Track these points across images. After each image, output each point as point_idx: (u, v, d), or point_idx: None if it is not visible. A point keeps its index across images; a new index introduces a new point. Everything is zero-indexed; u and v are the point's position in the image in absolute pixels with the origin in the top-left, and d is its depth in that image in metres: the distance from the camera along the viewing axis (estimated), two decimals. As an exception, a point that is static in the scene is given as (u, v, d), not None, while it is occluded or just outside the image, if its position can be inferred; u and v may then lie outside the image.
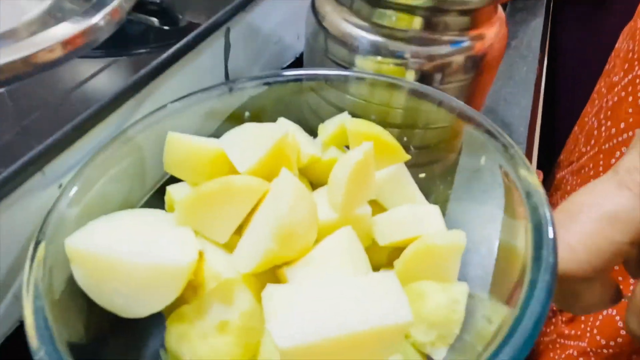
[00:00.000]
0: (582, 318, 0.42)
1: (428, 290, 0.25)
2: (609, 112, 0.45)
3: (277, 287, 0.21)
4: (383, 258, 0.29)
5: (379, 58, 0.36)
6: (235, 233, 0.25)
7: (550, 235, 0.21)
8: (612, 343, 0.38)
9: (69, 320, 0.22)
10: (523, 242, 0.21)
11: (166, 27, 0.36)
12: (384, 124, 0.31)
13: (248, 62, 0.42)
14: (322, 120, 0.33)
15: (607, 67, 0.53)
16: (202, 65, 0.36)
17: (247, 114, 0.32)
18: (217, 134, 0.30)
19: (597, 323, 0.40)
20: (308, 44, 0.41)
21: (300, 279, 0.24)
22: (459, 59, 0.35)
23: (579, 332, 0.42)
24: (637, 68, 0.42)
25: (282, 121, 0.32)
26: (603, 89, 0.50)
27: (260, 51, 0.44)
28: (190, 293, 0.24)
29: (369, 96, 0.33)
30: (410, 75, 0.36)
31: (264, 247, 0.23)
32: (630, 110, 0.42)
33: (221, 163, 0.27)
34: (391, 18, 0.35)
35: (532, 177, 0.23)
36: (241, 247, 0.25)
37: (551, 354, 0.45)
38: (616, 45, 0.51)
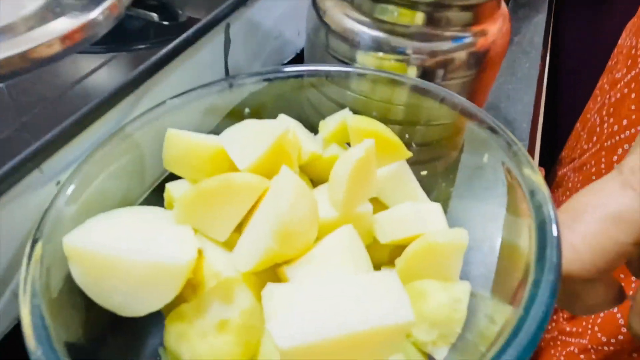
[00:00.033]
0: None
1: (430, 289, 0.25)
2: (612, 109, 0.45)
3: (277, 286, 0.21)
4: (384, 256, 0.29)
5: (381, 54, 0.35)
6: (235, 231, 0.25)
7: (554, 234, 0.20)
8: (613, 340, 0.38)
9: (66, 319, 0.21)
10: (526, 241, 0.21)
11: (166, 23, 0.36)
12: (386, 120, 0.30)
13: (248, 58, 0.42)
14: (323, 117, 0.33)
15: (609, 63, 0.52)
16: (201, 61, 0.36)
17: (247, 110, 0.32)
18: (217, 131, 0.29)
19: (598, 320, 0.40)
20: (309, 39, 0.41)
21: (301, 278, 0.23)
22: (461, 55, 0.35)
23: (580, 330, 0.42)
24: (640, 64, 0.41)
25: (283, 118, 0.32)
26: (606, 86, 0.50)
27: (261, 47, 0.44)
28: (189, 291, 0.24)
29: (370, 92, 0.33)
30: (412, 72, 0.35)
31: (264, 246, 0.23)
32: (633, 107, 0.41)
33: (221, 160, 0.27)
34: (393, 13, 0.34)
35: (535, 175, 0.23)
36: (241, 245, 0.25)
37: (552, 351, 0.45)
38: (619, 42, 0.51)
